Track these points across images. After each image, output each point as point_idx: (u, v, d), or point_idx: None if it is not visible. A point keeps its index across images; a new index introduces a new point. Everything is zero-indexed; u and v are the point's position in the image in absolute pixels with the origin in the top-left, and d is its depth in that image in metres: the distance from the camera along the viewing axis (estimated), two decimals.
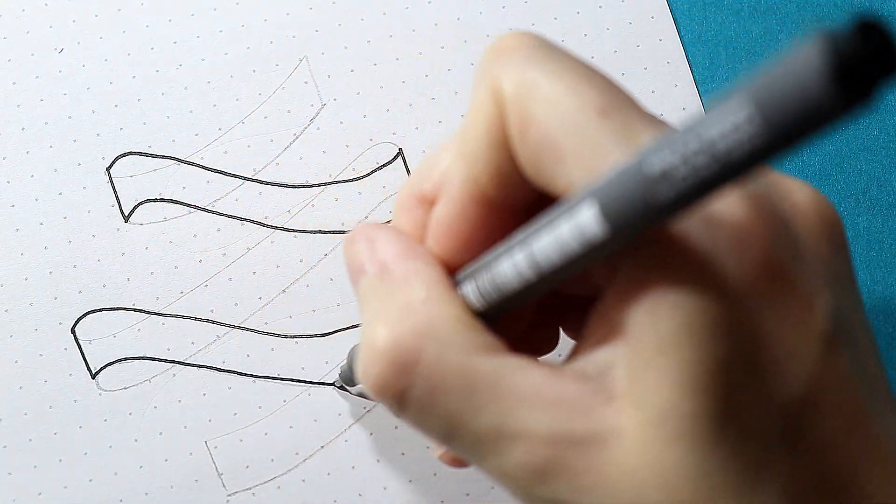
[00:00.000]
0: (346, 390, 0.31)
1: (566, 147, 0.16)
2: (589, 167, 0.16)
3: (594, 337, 0.17)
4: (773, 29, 0.34)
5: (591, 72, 0.17)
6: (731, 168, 0.13)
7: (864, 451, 0.16)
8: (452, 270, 0.19)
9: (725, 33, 0.34)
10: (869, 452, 0.16)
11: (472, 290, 0.18)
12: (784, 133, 0.12)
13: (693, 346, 0.15)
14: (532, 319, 0.22)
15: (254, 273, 0.32)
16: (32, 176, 0.33)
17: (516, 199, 0.18)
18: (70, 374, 0.32)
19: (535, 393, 0.16)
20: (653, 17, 0.34)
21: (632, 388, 0.16)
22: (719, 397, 0.15)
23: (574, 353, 0.18)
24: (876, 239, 0.33)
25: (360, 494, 0.32)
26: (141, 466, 0.32)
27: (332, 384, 0.32)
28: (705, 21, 0.34)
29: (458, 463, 0.24)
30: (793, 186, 0.18)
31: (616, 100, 0.17)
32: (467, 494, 0.32)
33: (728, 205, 0.16)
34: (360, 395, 0.31)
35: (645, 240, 0.16)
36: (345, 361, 0.29)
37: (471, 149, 0.18)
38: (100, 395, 0.32)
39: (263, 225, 0.33)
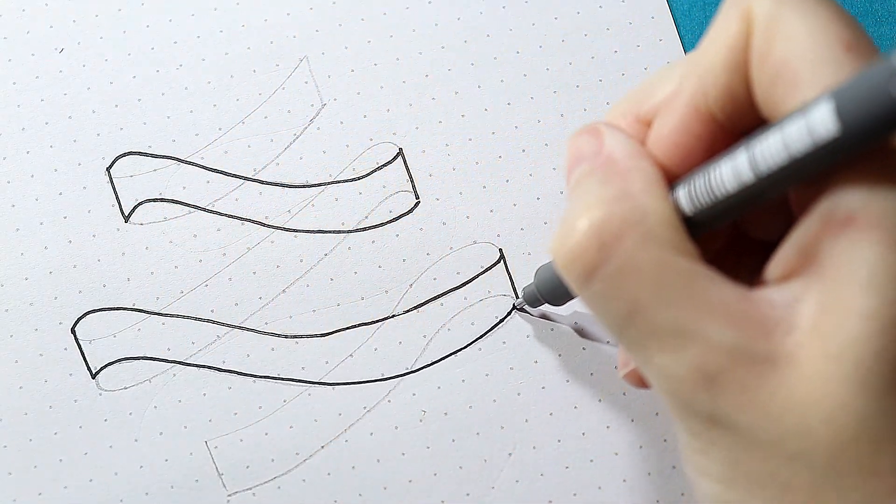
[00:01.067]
0: (528, 312, 0.31)
1: (807, 75, 0.16)
2: None
3: (784, 267, 0.17)
4: None
5: (839, 7, 0.17)
6: None
7: None
8: (667, 178, 0.19)
9: None
10: None
11: (683, 194, 0.18)
12: None
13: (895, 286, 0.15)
14: (713, 257, 0.22)
15: (254, 273, 0.32)
16: (32, 176, 0.33)
17: (738, 122, 0.19)
18: (70, 374, 0.32)
19: (723, 304, 0.17)
20: (653, 17, 0.34)
21: (818, 320, 0.16)
22: None
23: (761, 282, 0.18)
24: None
25: (360, 494, 0.32)
26: (141, 466, 0.32)
27: (512, 307, 0.32)
28: (705, 21, 0.34)
29: (641, 382, 0.23)
30: None
31: (861, 37, 0.17)
32: (467, 494, 0.32)
33: None
34: (543, 316, 0.31)
35: (857, 166, 0.16)
36: (531, 283, 0.29)
37: (707, 65, 0.18)
38: (100, 395, 0.32)
39: (263, 225, 0.33)
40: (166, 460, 0.32)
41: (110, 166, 0.33)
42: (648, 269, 0.17)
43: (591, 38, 0.34)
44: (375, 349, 0.32)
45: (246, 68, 0.33)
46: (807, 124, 0.15)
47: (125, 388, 0.32)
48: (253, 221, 0.33)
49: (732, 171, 0.17)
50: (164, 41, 0.33)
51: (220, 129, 0.33)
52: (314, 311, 0.32)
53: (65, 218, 0.32)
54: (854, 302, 0.15)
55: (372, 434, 0.32)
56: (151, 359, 0.32)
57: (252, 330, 0.32)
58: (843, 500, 0.16)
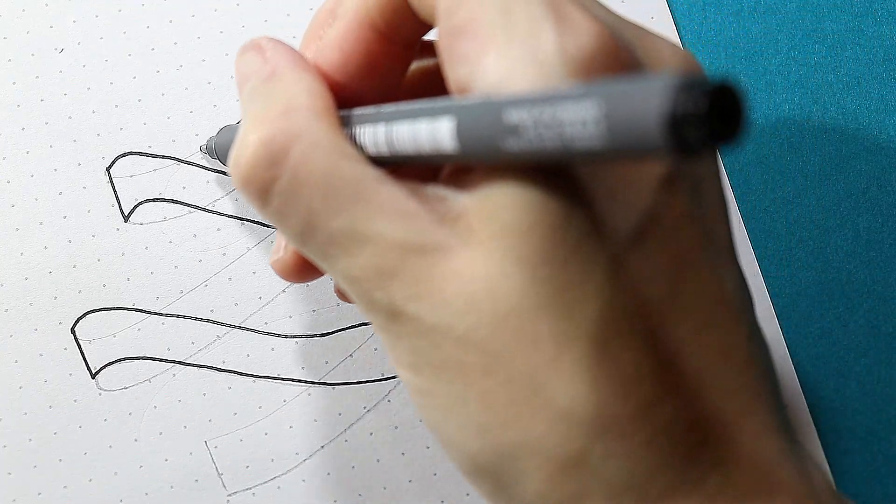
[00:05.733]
0: (211, 158, 0.32)
1: None
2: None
3: (449, 168, 0.18)
4: (772, 29, 0.34)
5: None
6: (572, 152, 0.14)
7: (689, 289, 0.17)
8: (335, 90, 0.20)
9: (725, 33, 0.34)
10: (693, 288, 0.17)
11: (350, 125, 0.20)
12: (621, 150, 0.13)
13: (534, 175, 0.16)
14: None
15: (254, 273, 0.32)
16: (32, 176, 0.33)
17: (399, 32, 0.20)
18: (70, 374, 0.32)
19: (390, 202, 0.17)
20: (653, 18, 0.34)
21: (482, 205, 0.17)
22: (553, 217, 0.16)
23: (432, 183, 0.19)
24: (876, 239, 0.33)
25: (359, 495, 0.32)
26: (141, 466, 0.32)
27: (199, 148, 0.32)
28: (705, 21, 0.34)
29: (294, 273, 0.24)
30: (661, 45, 0.18)
31: None
32: (467, 494, 0.32)
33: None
34: (221, 172, 0.32)
35: None
36: (214, 134, 0.31)
37: None
38: (100, 395, 0.32)
39: (263, 224, 0.33)
40: (166, 460, 0.32)
41: (110, 166, 0.33)
42: (317, 180, 0.18)
43: None
44: (375, 349, 0.32)
45: None
46: (433, 131, 0.16)
47: (125, 388, 0.32)
48: (253, 221, 0.33)
49: (374, 138, 0.18)
50: (164, 42, 0.33)
51: (220, 128, 0.33)
52: (314, 311, 0.32)
53: (64, 218, 0.32)
54: (507, 190, 0.16)
55: (372, 434, 0.32)
56: (151, 359, 0.32)
57: (252, 330, 0.32)
58: (508, 372, 0.16)
